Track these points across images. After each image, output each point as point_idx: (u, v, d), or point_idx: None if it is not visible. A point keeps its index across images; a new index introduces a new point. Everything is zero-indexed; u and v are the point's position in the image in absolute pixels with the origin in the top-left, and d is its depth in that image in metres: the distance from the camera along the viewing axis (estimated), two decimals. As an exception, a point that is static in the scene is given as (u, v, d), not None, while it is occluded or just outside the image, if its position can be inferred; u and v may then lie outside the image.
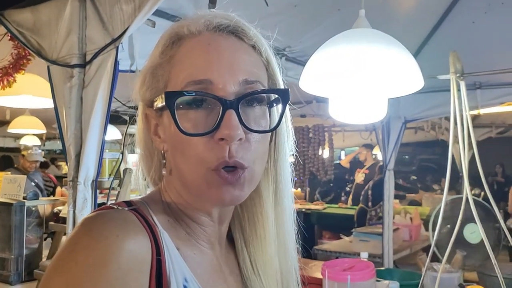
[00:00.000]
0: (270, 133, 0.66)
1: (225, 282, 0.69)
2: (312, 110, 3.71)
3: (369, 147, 6.27)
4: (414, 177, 10.38)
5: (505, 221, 3.50)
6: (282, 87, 0.68)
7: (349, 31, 1.27)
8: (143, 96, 0.66)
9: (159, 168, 0.69)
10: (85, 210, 1.60)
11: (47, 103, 2.60)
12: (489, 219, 3.03)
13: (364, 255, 2.33)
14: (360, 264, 2.19)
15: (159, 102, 0.62)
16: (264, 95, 0.63)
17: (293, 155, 0.74)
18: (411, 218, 4.90)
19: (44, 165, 5.54)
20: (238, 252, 0.75)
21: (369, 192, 5.71)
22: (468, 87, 3.30)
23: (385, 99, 1.26)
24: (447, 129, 5.43)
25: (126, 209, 0.60)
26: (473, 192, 5.83)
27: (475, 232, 2.90)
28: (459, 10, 2.59)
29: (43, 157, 5.33)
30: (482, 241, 2.93)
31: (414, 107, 3.59)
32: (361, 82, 1.22)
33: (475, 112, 3.92)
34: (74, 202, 1.60)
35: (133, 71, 1.90)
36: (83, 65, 1.62)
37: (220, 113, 0.57)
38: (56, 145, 7.28)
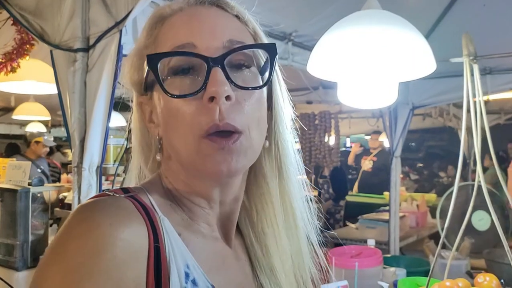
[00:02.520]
0: (265, 101, 0.63)
1: (230, 268, 0.66)
2: (318, 96, 3.66)
3: (379, 133, 6.22)
4: (421, 165, 10.33)
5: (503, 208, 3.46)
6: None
7: (359, 12, 1.23)
8: (132, 79, 0.65)
9: (156, 156, 0.66)
10: (90, 196, 1.58)
11: (52, 89, 2.58)
12: (497, 206, 3.00)
13: (371, 242, 2.32)
14: (367, 251, 2.18)
15: (147, 76, 0.60)
16: (252, 57, 0.60)
17: (296, 134, 0.70)
18: (417, 205, 4.87)
19: (49, 152, 5.54)
20: (248, 246, 0.72)
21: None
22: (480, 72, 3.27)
23: (396, 83, 1.23)
24: (455, 116, 5.37)
25: (123, 196, 0.58)
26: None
27: (483, 219, 2.88)
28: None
29: (49, 144, 5.34)
30: (490, 228, 2.92)
31: (422, 92, 3.54)
32: (371, 65, 1.19)
33: (485, 97, 3.86)
34: (79, 188, 1.58)
35: (138, 56, 1.87)
36: (87, 49, 1.59)
37: (206, 72, 0.55)
38: (61, 132, 7.28)
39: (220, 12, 0.62)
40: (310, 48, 2.60)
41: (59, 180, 4.94)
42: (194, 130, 0.56)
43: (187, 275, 0.56)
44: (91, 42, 1.59)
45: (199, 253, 0.60)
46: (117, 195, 0.58)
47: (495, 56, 1.64)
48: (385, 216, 4.29)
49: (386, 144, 7.03)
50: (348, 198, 5.98)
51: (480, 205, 2.45)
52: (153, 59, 0.57)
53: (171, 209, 0.62)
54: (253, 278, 0.70)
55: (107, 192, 0.59)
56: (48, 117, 4.57)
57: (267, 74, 0.62)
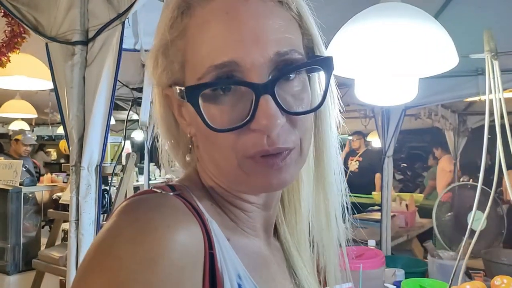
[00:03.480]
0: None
1: (276, 276, 0.62)
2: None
3: (361, 134, 6.25)
4: (404, 165, 10.44)
5: (499, 207, 3.49)
6: (319, 42, 0.57)
7: (378, 5, 1.19)
8: (158, 80, 0.57)
9: (186, 153, 0.61)
10: (89, 197, 1.51)
11: (42, 84, 2.48)
12: (492, 206, 3.01)
13: (371, 243, 2.29)
14: (369, 252, 2.15)
15: (179, 92, 0.53)
16: (301, 61, 0.52)
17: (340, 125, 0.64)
18: (406, 205, 4.90)
19: (31, 151, 5.39)
20: (282, 241, 0.68)
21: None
22: (468, 74, 3.29)
23: (416, 79, 1.19)
24: (443, 117, 5.42)
25: (171, 194, 0.52)
26: (462, 179, 5.89)
27: (480, 220, 2.88)
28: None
29: (32, 143, 5.19)
30: (486, 228, 2.93)
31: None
32: (390, 61, 1.15)
33: (476, 98, 3.89)
34: (78, 188, 1.51)
35: (138, 50, 1.80)
36: (86, 42, 1.52)
37: (254, 100, 0.48)
38: (45, 130, 7.11)
39: (261, 6, 0.51)
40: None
41: (38, 180, 4.81)
42: (238, 152, 0.51)
43: (239, 286, 0.51)
44: (91, 35, 1.51)
45: (248, 261, 0.55)
46: (165, 192, 0.52)
47: (517, 53, 1.62)
48: (376, 216, 4.30)
49: (375, 144, 7.11)
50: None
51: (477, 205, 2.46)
52: (193, 93, 0.49)
53: (215, 211, 0.56)
54: (294, 279, 0.67)
55: (153, 189, 0.52)
56: (34, 115, 4.44)
57: (316, 76, 0.57)
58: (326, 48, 0.60)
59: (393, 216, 4.25)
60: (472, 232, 2.99)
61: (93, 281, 0.42)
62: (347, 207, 0.66)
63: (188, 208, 0.50)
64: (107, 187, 1.89)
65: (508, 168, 1.67)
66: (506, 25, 2.28)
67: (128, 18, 1.48)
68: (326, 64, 0.54)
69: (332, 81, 0.61)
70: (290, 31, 0.53)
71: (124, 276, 0.41)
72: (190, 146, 0.59)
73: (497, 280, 1.54)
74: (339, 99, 0.63)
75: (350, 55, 1.18)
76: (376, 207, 4.79)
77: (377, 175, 6.31)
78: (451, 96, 3.60)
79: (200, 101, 0.49)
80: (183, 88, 0.52)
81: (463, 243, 1.62)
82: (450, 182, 6.12)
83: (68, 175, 5.51)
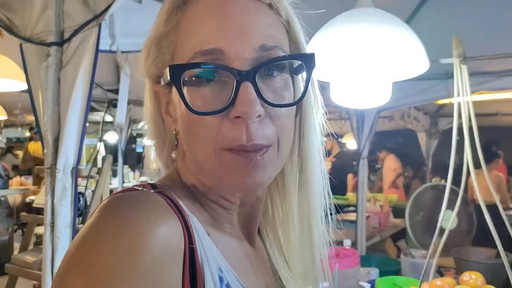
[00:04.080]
0: (295, 107, 0.58)
1: (256, 271, 0.63)
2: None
3: (333, 135, 6.35)
4: (379, 166, 10.61)
5: (469, 207, 3.60)
6: (306, 51, 0.59)
7: (352, 10, 1.23)
8: (148, 71, 0.59)
9: (171, 150, 0.62)
10: (64, 200, 1.49)
11: (13, 85, 2.43)
12: (462, 205, 3.11)
13: (347, 243, 2.34)
14: (344, 251, 2.19)
15: (166, 78, 0.54)
16: (286, 61, 0.55)
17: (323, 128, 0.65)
18: (381, 206, 4.99)
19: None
20: (264, 238, 0.69)
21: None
22: (439, 77, 3.39)
23: (390, 83, 1.23)
24: (416, 118, 5.56)
25: (152, 191, 0.53)
26: (433, 180, 6.04)
27: (450, 219, 2.97)
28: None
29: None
30: (457, 227, 3.02)
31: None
32: (364, 65, 1.18)
33: (446, 101, 4.01)
34: (53, 191, 1.48)
35: (114, 52, 1.79)
36: (61, 43, 1.50)
37: (234, 87, 0.50)
38: (14, 132, 6.93)
39: (251, 5, 0.54)
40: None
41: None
42: (217, 144, 0.52)
43: (221, 279, 0.52)
44: (66, 36, 1.50)
45: (228, 255, 0.56)
46: (146, 190, 0.53)
47: (484, 58, 1.68)
48: (351, 216, 4.36)
49: (350, 146, 7.23)
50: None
51: (448, 204, 2.53)
52: (176, 71, 0.51)
53: (195, 208, 0.57)
54: (276, 277, 0.67)
55: (134, 187, 0.53)
56: (4, 117, 4.33)
57: (299, 77, 0.58)
58: None
59: (367, 217, 4.33)
60: (443, 231, 3.08)
61: (75, 275, 0.43)
62: (330, 211, 0.67)
63: (168, 204, 0.51)
64: (83, 190, 1.87)
65: (476, 168, 1.74)
66: (475, 30, 2.37)
67: (105, 20, 1.47)
68: (308, 59, 0.55)
69: (316, 85, 0.64)
70: (277, 31, 0.55)
71: (105, 271, 0.42)
72: (176, 143, 0.60)
73: (466, 276, 1.60)
74: (323, 104, 0.65)
75: (325, 60, 1.21)
76: (352, 208, 4.86)
77: (349, 176, 6.45)
78: (423, 99, 3.69)
79: (183, 85, 0.51)
80: (168, 71, 0.52)
81: (433, 241, 1.67)
82: (395, 179, 6.37)
83: (37, 177, 5.39)
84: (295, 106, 0.58)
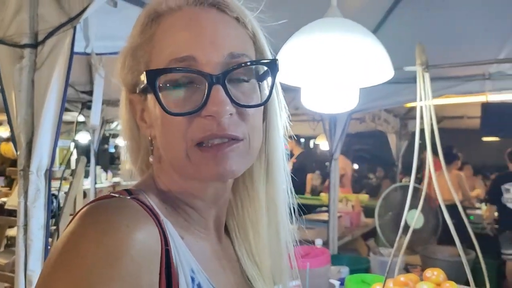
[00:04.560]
0: (263, 109, 0.63)
1: (224, 270, 0.67)
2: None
3: (295, 138, 6.56)
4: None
5: (433, 207, 3.72)
6: None
7: (322, 19, 1.28)
8: (124, 80, 0.63)
9: (146, 156, 0.65)
10: (38, 202, 1.49)
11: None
12: (428, 205, 3.23)
13: (318, 242, 2.40)
14: (315, 250, 2.25)
15: (142, 84, 0.58)
16: (252, 68, 0.60)
17: (286, 130, 0.70)
18: (352, 206, 5.09)
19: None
20: (233, 239, 0.73)
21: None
22: (408, 81, 3.50)
23: (357, 89, 1.29)
24: (386, 120, 5.70)
25: (128, 197, 0.56)
26: (404, 180, 6.21)
27: (417, 218, 3.07)
28: (404, 6, 2.71)
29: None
30: (423, 226, 3.13)
31: (360, 98, 3.71)
32: (333, 71, 1.24)
33: (414, 104, 4.13)
34: (26, 193, 1.48)
35: (88, 54, 1.80)
36: (35, 45, 1.50)
37: (206, 90, 0.54)
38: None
39: (220, 17, 0.59)
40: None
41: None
42: (188, 140, 0.56)
43: (192, 279, 0.56)
44: (40, 38, 1.50)
45: (200, 257, 0.60)
46: (122, 196, 0.56)
47: (445, 66, 1.77)
48: (323, 216, 4.45)
49: (323, 147, 7.37)
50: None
51: (415, 204, 2.64)
52: (152, 75, 0.55)
53: (168, 213, 0.61)
54: (243, 276, 0.71)
55: (111, 194, 0.56)
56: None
57: (265, 83, 0.63)
58: None
59: (339, 217, 4.42)
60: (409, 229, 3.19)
61: (59, 277, 0.46)
62: (294, 209, 0.72)
63: (144, 209, 0.54)
64: (56, 192, 1.86)
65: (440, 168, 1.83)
66: (439, 38, 2.47)
67: (80, 23, 1.48)
68: (272, 65, 0.60)
69: (280, 90, 0.69)
70: (244, 42, 0.61)
71: (88, 273, 0.45)
72: (151, 148, 0.63)
73: (428, 272, 1.68)
74: (286, 105, 0.70)
75: (296, 66, 1.26)
76: (324, 208, 4.94)
77: (309, 176, 6.63)
78: (392, 102, 3.80)
79: (158, 90, 0.55)
80: (145, 76, 0.56)
81: (397, 239, 1.74)
82: (341, 178, 6.65)
83: (7, 179, 5.26)
84: (262, 110, 0.63)
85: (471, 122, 5.35)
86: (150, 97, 0.59)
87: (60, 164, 1.86)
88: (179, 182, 0.62)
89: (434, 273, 1.64)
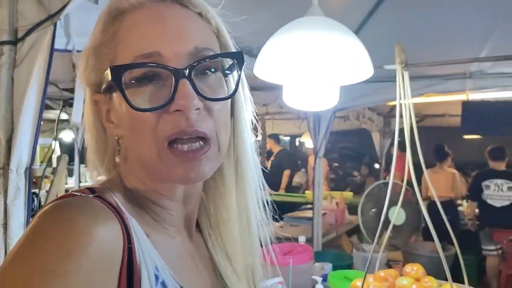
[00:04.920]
0: (230, 103, 0.63)
1: (197, 268, 0.67)
2: (247, 97, 3.71)
3: (274, 137, 6.91)
4: (336, 164, 10.87)
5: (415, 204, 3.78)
6: None
7: (303, 18, 1.29)
8: (88, 79, 0.62)
9: (114, 156, 0.64)
10: (18, 200, 1.47)
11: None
12: (412, 202, 3.28)
13: (302, 239, 2.42)
14: (299, 247, 2.26)
15: (107, 82, 0.58)
16: (218, 62, 0.60)
17: (254, 126, 0.71)
18: (337, 203, 5.13)
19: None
20: (205, 237, 0.72)
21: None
22: (391, 79, 3.54)
23: (337, 87, 1.30)
24: (370, 119, 5.76)
25: (91, 196, 0.56)
26: (387, 178, 6.28)
27: (399, 214, 3.12)
28: (386, 5, 2.75)
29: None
30: (405, 222, 3.18)
31: (344, 96, 3.73)
32: (314, 69, 1.24)
33: (394, 102, 4.17)
34: (5, 191, 1.46)
35: (69, 51, 1.78)
36: (15, 42, 1.48)
37: (173, 84, 0.54)
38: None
39: (183, 12, 0.59)
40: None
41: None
42: (157, 138, 0.56)
43: (156, 277, 0.56)
44: (20, 35, 1.48)
45: (167, 255, 0.60)
46: (84, 195, 0.55)
47: (424, 64, 1.80)
48: (308, 214, 4.48)
49: (308, 145, 7.44)
50: (271, 197, 6.14)
51: (397, 201, 2.68)
52: (118, 72, 0.55)
53: (135, 211, 0.60)
54: (216, 274, 0.70)
55: (73, 193, 0.56)
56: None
57: (231, 78, 0.63)
58: (256, 56, 0.66)
59: (324, 214, 4.45)
60: (393, 226, 3.23)
61: (14, 271, 0.46)
62: (268, 203, 0.72)
63: (107, 207, 0.54)
64: (37, 190, 1.84)
65: (429, 167, 1.85)
66: (420, 38, 2.51)
67: (60, 19, 1.47)
68: (238, 57, 0.61)
69: (246, 84, 0.69)
70: (208, 37, 0.61)
71: (43, 269, 0.45)
72: (118, 148, 0.62)
73: (408, 267, 1.71)
74: (252, 102, 0.70)
75: (278, 63, 1.27)
76: (309, 206, 4.97)
77: (285, 173, 6.72)
78: (375, 100, 3.84)
79: (125, 87, 0.55)
80: (109, 72, 0.55)
81: (377, 235, 1.77)
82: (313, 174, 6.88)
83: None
84: (229, 104, 0.63)
85: (453, 120, 5.44)
86: (116, 95, 0.59)
87: (41, 162, 1.84)
88: (146, 182, 0.61)
89: (414, 268, 1.67)
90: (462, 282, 1.65)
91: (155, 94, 0.56)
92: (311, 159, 6.89)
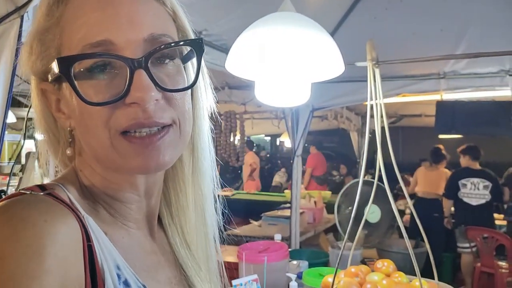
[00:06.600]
0: (190, 90, 0.60)
1: (159, 263, 0.64)
2: (225, 96, 3.71)
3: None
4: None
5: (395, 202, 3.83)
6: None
7: (275, 14, 1.28)
8: (33, 68, 0.57)
9: (65, 149, 0.60)
10: (-17, 198, 1.43)
11: None
12: (387, 200, 3.30)
13: (277, 237, 2.42)
14: (274, 245, 2.26)
15: (54, 73, 0.53)
16: (176, 49, 0.56)
17: (212, 114, 0.68)
18: (315, 202, 5.16)
19: None
20: (165, 227, 0.70)
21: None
22: (366, 79, 3.59)
23: (308, 84, 1.30)
24: (348, 118, 5.81)
25: (41, 193, 0.52)
26: (367, 176, 6.36)
27: (374, 212, 3.15)
28: (363, 5, 2.78)
29: None
30: (380, 220, 3.21)
31: (321, 95, 3.76)
32: (285, 65, 1.24)
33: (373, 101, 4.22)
34: (-30, 189, 1.43)
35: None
36: (-20, 35, 1.44)
37: (128, 75, 0.50)
38: None
39: None
40: (218, 48, 2.64)
41: None
42: (112, 128, 0.52)
43: (118, 276, 0.53)
44: (-15, 28, 1.44)
45: (127, 252, 0.57)
46: (34, 192, 0.52)
47: (396, 62, 1.81)
48: (287, 213, 4.49)
49: (287, 144, 7.47)
50: (251, 196, 6.15)
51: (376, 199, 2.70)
52: (65, 63, 0.50)
53: (90, 208, 0.57)
54: (178, 269, 0.68)
55: (21, 191, 0.52)
56: None
57: (190, 64, 0.60)
58: (227, 51, 0.64)
59: (302, 213, 4.47)
60: (369, 224, 3.26)
61: None
62: (218, 196, 0.71)
63: (61, 204, 0.51)
64: (4, 188, 1.79)
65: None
66: (396, 37, 2.54)
67: (28, 12, 1.43)
68: (197, 45, 0.57)
69: (206, 71, 0.66)
70: (164, 21, 0.56)
71: (12, 273, 0.42)
72: (70, 140, 0.59)
73: (379, 263, 1.73)
74: (212, 85, 0.68)
75: (249, 59, 1.26)
76: (288, 205, 4.98)
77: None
78: (353, 99, 3.88)
79: (74, 78, 0.50)
80: (56, 64, 0.51)
81: (347, 231, 1.78)
82: (251, 173, 7.43)
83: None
84: (190, 92, 0.60)
85: (429, 120, 5.52)
86: (66, 85, 0.54)
87: (10, 159, 1.79)
88: (103, 174, 0.58)
89: (385, 264, 1.69)
90: (440, 279, 1.67)
91: (108, 84, 0.51)
92: (246, 157, 7.18)
